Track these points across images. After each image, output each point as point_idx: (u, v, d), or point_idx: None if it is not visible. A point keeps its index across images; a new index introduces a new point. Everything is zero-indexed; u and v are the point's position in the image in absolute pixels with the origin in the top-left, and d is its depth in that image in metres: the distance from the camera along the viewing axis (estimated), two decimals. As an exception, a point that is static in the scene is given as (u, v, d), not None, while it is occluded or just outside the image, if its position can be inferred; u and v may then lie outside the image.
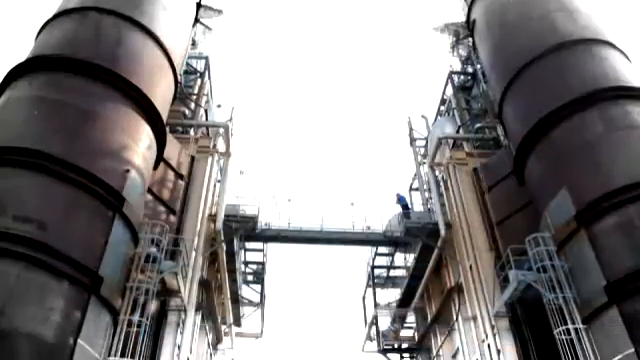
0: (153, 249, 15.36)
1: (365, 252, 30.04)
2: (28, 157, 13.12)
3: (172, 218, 18.80)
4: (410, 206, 26.18)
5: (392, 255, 28.72)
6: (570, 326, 13.77)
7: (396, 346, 27.42)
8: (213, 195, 22.31)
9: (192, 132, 22.83)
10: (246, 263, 28.88)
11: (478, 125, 24.55)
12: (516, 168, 18.29)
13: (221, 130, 22.83)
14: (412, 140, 29.60)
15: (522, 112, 18.44)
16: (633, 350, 11.91)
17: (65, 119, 14.57)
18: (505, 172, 19.80)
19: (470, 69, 27.84)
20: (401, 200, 25.73)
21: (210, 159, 21.82)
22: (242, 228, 23.24)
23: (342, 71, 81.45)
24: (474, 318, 19.06)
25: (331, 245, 27.00)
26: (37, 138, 13.65)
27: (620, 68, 17.41)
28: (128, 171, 15.13)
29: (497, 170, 20.69)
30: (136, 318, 13.94)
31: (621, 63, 17.75)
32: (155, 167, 17.92)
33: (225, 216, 21.88)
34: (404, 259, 27.86)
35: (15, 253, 11.61)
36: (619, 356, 12.24)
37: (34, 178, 12.97)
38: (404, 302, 26.98)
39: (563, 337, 13.70)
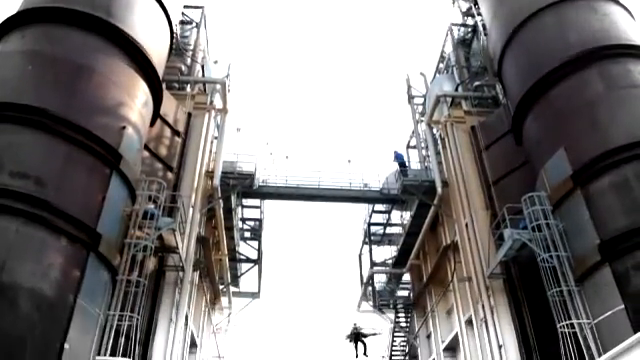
0: (151, 206, 15.52)
1: (362, 210, 30.40)
2: (25, 114, 13.12)
3: (169, 175, 18.92)
4: (407, 164, 26.30)
5: (389, 213, 29.03)
6: (563, 287, 14.07)
7: (391, 306, 27.99)
8: (210, 152, 22.38)
9: (189, 88, 22.72)
10: (243, 220, 29.15)
11: (477, 83, 24.46)
12: (514, 127, 18.35)
13: (218, 86, 22.72)
14: (410, 97, 29.50)
15: (521, 70, 18.38)
16: (623, 307, 12.23)
17: (60, 74, 14.49)
18: (503, 131, 19.88)
19: (471, 21, 27.36)
20: (398, 158, 25.85)
21: (207, 116, 21.79)
22: (239, 185, 23.39)
23: (341, 26, 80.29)
24: (469, 279, 19.42)
25: (328, 202, 27.23)
26: (33, 94, 13.62)
27: (622, 25, 17.29)
28: (124, 128, 15.15)
29: (495, 129, 20.77)
30: (134, 277, 14.18)
31: (623, 20, 17.61)
32: (152, 124, 17.93)
33: (222, 173, 21.99)
34: (400, 217, 28.16)
35: (13, 209, 11.74)
36: (609, 312, 12.59)
37: (31, 135, 13.02)
38: (400, 262, 27.39)
39: (556, 298, 14.01)
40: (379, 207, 28.93)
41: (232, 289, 27.91)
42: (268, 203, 29.85)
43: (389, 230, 29.77)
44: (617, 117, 14.94)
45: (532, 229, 15.35)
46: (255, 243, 29.22)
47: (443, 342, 22.82)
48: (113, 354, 12.93)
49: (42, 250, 11.96)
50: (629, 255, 12.78)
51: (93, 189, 13.78)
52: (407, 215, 26.37)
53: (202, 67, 24.70)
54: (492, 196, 19.65)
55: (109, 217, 13.83)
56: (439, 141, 24.35)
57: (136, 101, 16.18)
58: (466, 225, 20.15)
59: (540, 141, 17.01)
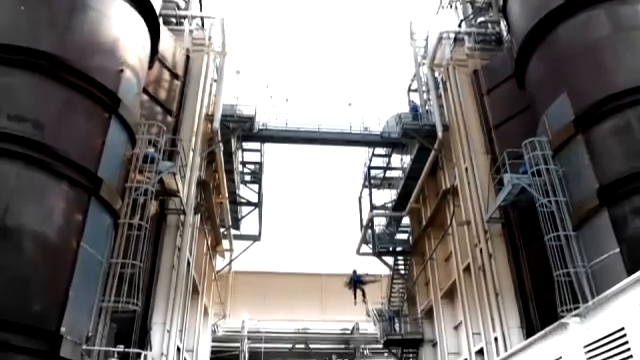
0: (151, 150, 15.56)
1: (362, 153, 30.44)
2: (20, 55, 12.89)
3: (169, 119, 18.86)
4: (419, 110, 25.95)
5: (389, 156, 29.10)
6: (561, 233, 14.24)
7: (391, 249, 28.42)
8: (210, 95, 22.24)
9: (186, 23, 22.27)
10: (243, 163, 29.28)
11: (481, 19, 24.00)
12: (517, 69, 18.13)
13: (217, 22, 22.31)
14: (412, 35, 28.87)
15: (527, 7, 17.86)
16: (618, 250, 12.42)
17: (55, 12, 14.11)
18: (506, 74, 19.66)
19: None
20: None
21: (206, 58, 21.53)
22: (239, 128, 23.37)
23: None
24: (468, 223, 19.64)
25: (328, 145, 27.29)
26: (28, 35, 13.35)
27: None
28: (122, 71, 14.98)
29: (498, 73, 20.56)
30: (136, 221, 14.35)
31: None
32: (150, 66, 17.73)
33: (222, 116, 21.93)
34: (401, 160, 28.23)
35: (12, 153, 11.71)
36: (604, 255, 12.81)
37: (27, 77, 12.82)
38: (400, 205, 27.63)
39: (553, 244, 14.21)
40: (379, 151, 28.98)
41: (233, 232, 28.31)
42: (268, 147, 29.92)
43: (389, 174, 29.90)
44: (623, 60, 14.66)
45: (532, 174, 15.41)
46: (255, 186, 29.47)
47: (441, 289, 23.29)
48: (117, 300, 13.22)
49: (43, 194, 12.02)
50: (627, 200, 12.86)
51: (92, 133, 13.72)
52: (407, 159, 26.44)
53: (200, 1, 24.09)
54: (493, 140, 19.69)
55: (109, 161, 13.85)
56: (440, 84, 24.13)
57: (133, 40, 15.86)
58: (466, 169, 20.25)
59: (543, 84, 16.82)
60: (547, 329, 10.15)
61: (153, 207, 16.13)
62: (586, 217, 13.77)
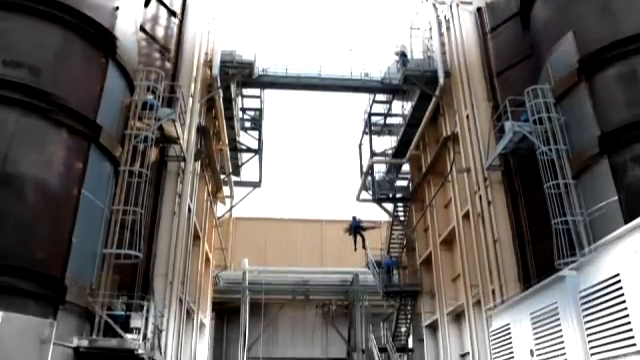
0: (150, 96, 15.45)
1: (363, 100, 30.22)
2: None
3: (167, 65, 18.64)
4: (410, 54, 25.61)
5: (389, 103, 28.89)
6: (560, 181, 14.30)
7: (390, 196, 28.58)
8: (208, 37, 21.86)
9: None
10: (243, 110, 29.12)
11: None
12: (522, 7, 17.74)
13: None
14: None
15: None
16: (617, 198, 12.50)
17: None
18: (510, 12, 19.30)
19: None
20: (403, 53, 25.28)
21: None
22: (239, 74, 23.13)
23: None
24: (467, 170, 19.67)
25: (328, 92, 27.08)
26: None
27: None
28: (117, 9, 14.66)
29: (502, 10, 20.19)
30: (137, 168, 14.39)
31: None
32: (146, 3, 17.34)
33: (221, 62, 21.66)
34: (401, 107, 28.06)
35: (10, 99, 11.61)
36: (602, 203, 12.91)
37: (22, 20, 12.56)
38: (400, 152, 27.61)
39: (552, 191, 14.28)
40: (380, 97, 28.76)
41: (233, 179, 28.40)
42: (268, 94, 29.70)
43: (390, 121, 29.74)
44: (632, 3, 14.32)
45: (533, 122, 15.37)
46: (255, 133, 29.38)
47: (440, 236, 23.53)
48: (119, 247, 13.38)
49: (43, 141, 12.00)
50: (628, 148, 12.84)
51: (90, 78, 13.58)
52: (408, 106, 26.27)
53: None
54: (495, 87, 19.53)
55: (108, 108, 13.79)
56: (443, 23, 23.61)
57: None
58: (467, 117, 20.15)
59: (548, 24, 16.46)
60: (544, 282, 10.31)
61: (153, 154, 16.14)
62: (586, 165, 13.79)
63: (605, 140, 13.26)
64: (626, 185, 12.58)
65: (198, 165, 20.38)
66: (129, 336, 12.55)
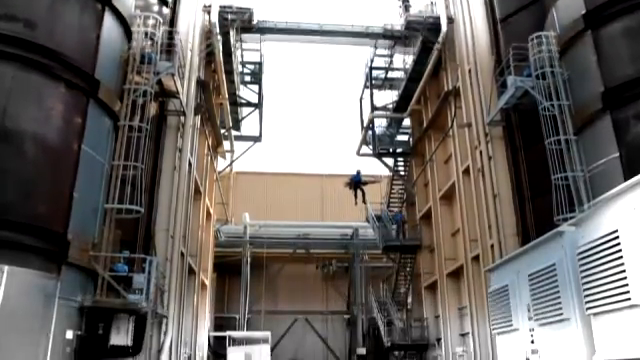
0: (148, 49, 15.21)
1: (364, 54, 29.84)
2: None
3: (165, 10, 18.21)
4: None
5: (391, 56, 28.56)
6: (562, 137, 14.23)
7: (391, 150, 28.55)
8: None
9: None
10: (243, 63, 28.80)
11: None
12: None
13: None
14: None
15: None
16: (618, 154, 12.47)
17: None
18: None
19: None
20: None
21: None
22: (238, 20, 22.73)
23: None
24: (469, 125, 19.57)
25: (330, 38, 26.67)
26: None
27: None
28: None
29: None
30: (136, 123, 14.31)
31: None
32: None
33: (220, 7, 21.27)
34: (403, 61, 27.75)
35: (6, 54, 11.43)
36: (603, 160, 12.89)
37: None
38: (401, 107, 27.45)
39: (553, 147, 14.23)
40: (381, 51, 28.39)
41: (234, 133, 28.31)
42: (268, 47, 29.28)
43: (391, 74, 29.48)
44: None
45: (536, 77, 15.21)
46: (255, 87, 29.15)
47: (440, 191, 23.59)
48: (120, 202, 13.42)
49: (41, 96, 11.89)
50: (632, 104, 12.72)
51: (86, 28, 13.29)
52: (410, 60, 25.96)
53: None
54: (499, 37, 19.04)
55: (106, 62, 13.61)
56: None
57: None
58: (469, 70, 19.92)
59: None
60: (542, 237, 10.35)
61: (153, 109, 16.03)
62: (588, 121, 13.70)
63: (608, 96, 13.12)
64: (627, 142, 12.53)
65: (198, 119, 20.28)
66: (132, 296, 12.74)
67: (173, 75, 15.89)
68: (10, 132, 11.09)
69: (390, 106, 29.02)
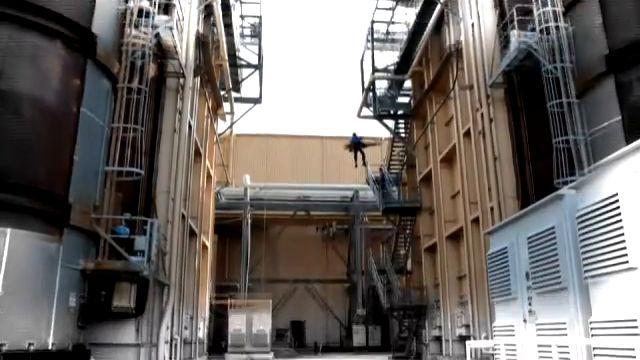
0: (145, 3, 14.92)
1: (366, 13, 29.44)
2: None
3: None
4: None
5: (393, 10, 28.15)
6: (564, 99, 14.11)
7: (392, 112, 28.41)
8: None
9: None
10: (242, 17, 28.39)
11: None
12: None
13: None
14: None
15: None
16: (620, 118, 12.41)
17: None
18: None
19: None
20: None
21: None
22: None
23: None
24: (470, 87, 19.41)
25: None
26: None
27: None
28: None
29: None
30: (135, 85, 14.20)
31: None
32: None
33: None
34: (405, 14, 27.34)
35: (1, 15, 11.24)
36: (605, 123, 12.84)
37: None
38: (402, 68, 27.21)
39: (555, 110, 14.13)
40: (383, 4, 28.01)
41: (234, 95, 28.13)
42: (267, 4, 28.80)
43: (392, 29, 29.09)
44: None
45: (540, 32, 14.97)
46: (255, 48, 28.88)
47: (440, 153, 23.57)
48: (121, 165, 13.41)
49: (38, 57, 11.74)
50: (636, 67, 12.59)
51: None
52: (412, 14, 25.54)
53: None
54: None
55: (103, 19, 13.42)
56: None
57: None
58: (472, 25, 19.53)
59: None
60: (542, 200, 10.39)
61: (152, 70, 15.85)
62: (591, 84, 13.59)
63: (613, 58, 12.98)
64: (630, 105, 12.44)
65: (198, 81, 20.11)
66: (134, 258, 12.85)
67: (171, 29, 15.55)
68: (8, 94, 11.01)
69: (391, 68, 28.74)
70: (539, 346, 9.73)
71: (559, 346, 8.94)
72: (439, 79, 23.24)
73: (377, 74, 28.11)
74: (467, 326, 19.18)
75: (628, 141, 10.63)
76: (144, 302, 13.60)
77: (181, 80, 17.71)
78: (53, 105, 11.78)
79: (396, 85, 28.78)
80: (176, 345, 16.85)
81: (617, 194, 7.86)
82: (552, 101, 14.23)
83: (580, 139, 13.58)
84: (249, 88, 29.70)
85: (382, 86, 28.83)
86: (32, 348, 10.23)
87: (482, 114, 18.34)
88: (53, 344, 10.83)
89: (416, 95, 27.41)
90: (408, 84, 28.58)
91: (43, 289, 10.78)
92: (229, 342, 26.88)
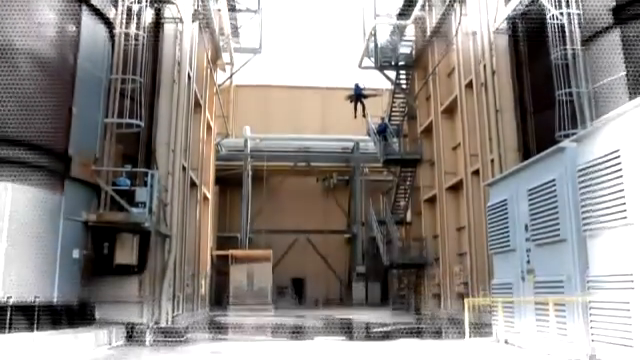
0: None
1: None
2: None
3: None
4: None
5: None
6: (568, 49, 13.85)
7: (393, 63, 27.95)
8: None
9: None
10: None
11: None
12: None
13: None
14: None
15: None
16: (624, 72, 12.24)
17: None
18: None
19: None
20: None
21: None
22: None
23: None
24: (474, 33, 19.07)
25: None
26: None
27: None
28: None
29: None
30: (133, 31, 13.96)
31: None
32: None
33: None
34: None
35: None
36: (609, 78, 12.65)
37: None
38: (404, 14, 26.57)
39: (559, 61, 13.92)
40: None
41: (233, 46, 27.67)
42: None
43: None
44: None
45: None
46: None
47: (442, 105, 23.38)
48: (120, 117, 13.36)
49: (30, 3, 11.44)
50: (643, 20, 12.34)
51: None
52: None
53: None
54: None
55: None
56: None
57: None
58: (477, -34, 19.01)
59: None
60: (543, 153, 10.38)
61: (149, 16, 15.56)
62: (597, 35, 13.32)
63: (620, 11, 12.68)
64: (636, 59, 12.24)
65: (196, 28, 19.70)
66: (135, 210, 12.91)
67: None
68: (2, 47, 10.81)
69: (394, 15, 28.06)
70: (536, 304, 9.92)
71: (556, 304, 9.12)
72: (442, 25, 22.74)
73: (378, 19, 27.50)
74: (465, 284, 19.44)
75: (632, 96, 10.56)
76: (146, 256, 13.76)
77: (179, 26, 17.34)
78: (49, 57, 11.62)
79: (398, 32, 28.15)
80: (178, 302, 17.14)
81: (619, 150, 7.86)
82: (556, 51, 13.99)
83: (583, 92, 13.40)
84: (248, 38, 29.20)
85: (384, 35, 28.27)
86: (37, 301, 10.41)
87: (484, 66, 18.10)
88: (58, 298, 11.01)
89: (418, 44, 26.91)
90: (410, 33, 28.00)
91: (47, 242, 10.91)
92: (231, 296, 27.31)
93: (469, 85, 19.80)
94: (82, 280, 12.12)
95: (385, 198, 32.95)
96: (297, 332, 15.64)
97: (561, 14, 14.16)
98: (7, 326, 9.79)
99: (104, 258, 12.80)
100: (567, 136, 12.32)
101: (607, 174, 8.05)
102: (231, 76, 28.56)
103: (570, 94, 13.58)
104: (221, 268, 29.93)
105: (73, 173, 11.61)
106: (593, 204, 8.38)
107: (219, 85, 27.18)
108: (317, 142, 36.63)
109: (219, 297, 29.32)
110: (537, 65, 16.00)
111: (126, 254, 13.01)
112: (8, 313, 9.84)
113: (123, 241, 12.99)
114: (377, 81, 29.75)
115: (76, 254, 11.81)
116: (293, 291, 34.58)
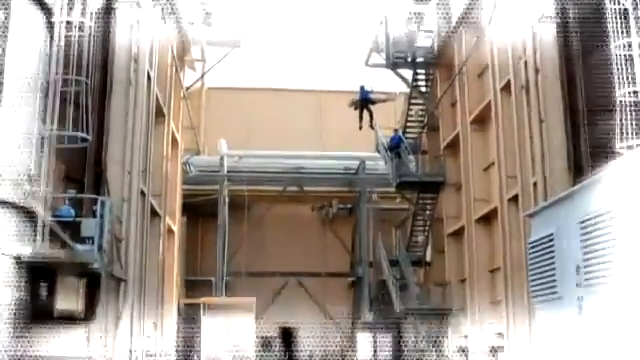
0: None
1: None
2: None
3: None
4: None
5: None
6: (633, 39, 13.93)
7: (409, 59, 27.83)
8: None
9: None
10: None
11: None
12: None
13: None
14: None
15: None
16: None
17: None
18: None
19: None
20: None
21: None
22: None
23: None
24: (513, 21, 19.03)
25: None
26: None
27: None
28: None
29: None
30: (76, 18, 14.00)
31: None
32: None
33: None
34: None
35: None
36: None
37: None
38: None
39: (621, 52, 13.97)
40: None
41: (206, 38, 27.74)
42: None
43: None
44: None
45: None
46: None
47: (471, 113, 23.45)
48: (61, 127, 13.32)
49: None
50: None
51: None
52: None
53: None
54: None
55: None
56: None
57: None
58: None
59: None
60: (600, 173, 10.36)
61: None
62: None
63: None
64: None
65: (158, 15, 19.76)
66: (81, 247, 12.81)
67: None
68: None
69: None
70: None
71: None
72: (472, 11, 22.79)
73: (391, 3, 27.54)
74: (500, 334, 19.31)
75: None
76: (95, 303, 13.62)
77: (136, 11, 17.37)
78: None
79: (416, 19, 28.12)
80: (137, 359, 16.97)
81: None
82: (617, 42, 14.04)
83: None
84: (225, 28, 29.28)
85: (398, 24, 28.19)
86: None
87: (526, 62, 18.17)
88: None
89: (441, 35, 26.95)
90: (431, 20, 27.99)
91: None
92: (201, 360, 27.01)
93: (506, 88, 19.88)
94: (15, 331, 11.96)
95: (398, 232, 32.85)
96: None
97: (623, -7, 14.26)
98: None
99: (42, 303, 12.67)
100: (631, 148, 12.31)
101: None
102: (202, 76, 28.71)
103: (635, 93, 13.59)
104: (191, 320, 29.65)
105: (1, 194, 11.53)
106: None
107: (187, 88, 27.27)
108: (312, 160, 36.47)
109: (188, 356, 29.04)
110: (592, 59, 16.04)
111: (70, 299, 12.89)
112: None
113: (66, 284, 12.87)
114: (389, 83, 29.83)
115: (7, 295, 11.66)
116: (282, 344, 34.16)
